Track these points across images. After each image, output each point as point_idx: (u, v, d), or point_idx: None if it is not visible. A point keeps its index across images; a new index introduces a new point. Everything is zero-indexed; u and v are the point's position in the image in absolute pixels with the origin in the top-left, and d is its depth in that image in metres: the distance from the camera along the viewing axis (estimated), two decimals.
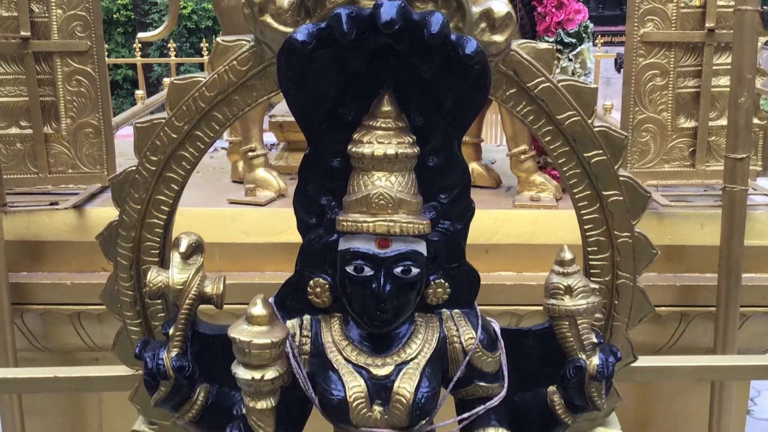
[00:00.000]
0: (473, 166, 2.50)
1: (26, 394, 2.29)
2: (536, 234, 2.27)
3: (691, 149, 2.35)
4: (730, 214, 2.13)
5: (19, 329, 2.30)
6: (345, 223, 1.13)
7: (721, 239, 2.19)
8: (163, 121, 1.20)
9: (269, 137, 2.80)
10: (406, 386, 1.13)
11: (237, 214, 2.32)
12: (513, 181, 2.53)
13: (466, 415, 1.20)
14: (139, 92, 3.42)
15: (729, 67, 2.14)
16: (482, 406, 1.20)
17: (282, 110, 2.64)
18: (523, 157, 2.38)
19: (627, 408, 2.54)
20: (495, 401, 1.20)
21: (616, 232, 1.24)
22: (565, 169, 1.23)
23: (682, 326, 2.33)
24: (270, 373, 1.09)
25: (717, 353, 2.20)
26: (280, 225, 2.20)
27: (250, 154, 2.40)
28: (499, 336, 1.24)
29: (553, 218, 2.29)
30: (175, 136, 1.20)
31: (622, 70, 2.42)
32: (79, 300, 2.27)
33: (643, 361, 1.44)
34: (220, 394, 1.21)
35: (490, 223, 2.25)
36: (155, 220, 1.24)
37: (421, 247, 1.14)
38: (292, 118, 2.54)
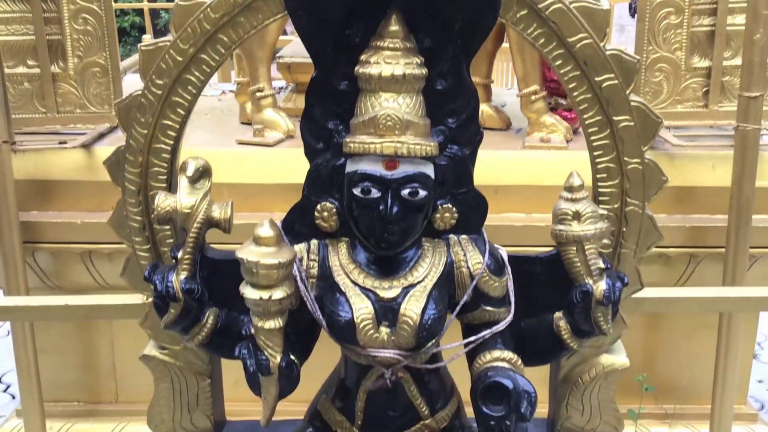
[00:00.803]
0: (483, 108, 2.48)
1: (40, 332, 2.32)
2: (546, 175, 2.25)
3: (704, 89, 2.32)
4: (741, 153, 2.11)
5: (31, 268, 2.32)
6: (352, 145, 1.12)
7: (732, 180, 2.17)
8: (168, 44, 1.19)
9: (277, 83, 2.78)
10: (412, 308, 1.14)
11: (246, 155, 2.32)
12: (523, 123, 2.51)
13: (472, 338, 1.20)
14: (147, 37, 3.40)
15: (745, 4, 2.09)
16: (488, 330, 1.20)
17: (290, 52, 2.61)
18: (533, 97, 2.36)
19: (634, 350, 2.55)
20: (501, 326, 1.21)
21: (626, 158, 1.23)
22: (575, 94, 1.21)
23: (691, 267, 2.33)
24: (278, 293, 1.10)
25: None
26: (289, 165, 2.20)
27: (258, 94, 2.39)
28: (507, 262, 1.24)
29: (563, 159, 2.27)
30: (180, 59, 1.19)
31: (636, 15, 2.38)
32: (90, 239, 2.28)
33: (651, 291, 1.44)
34: (229, 318, 1.22)
35: (500, 165, 2.24)
36: (162, 146, 1.24)
37: (429, 170, 1.14)
38: (300, 60, 2.52)
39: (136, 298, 1.40)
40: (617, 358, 1.35)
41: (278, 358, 1.11)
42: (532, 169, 2.29)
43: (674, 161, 2.29)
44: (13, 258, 2.22)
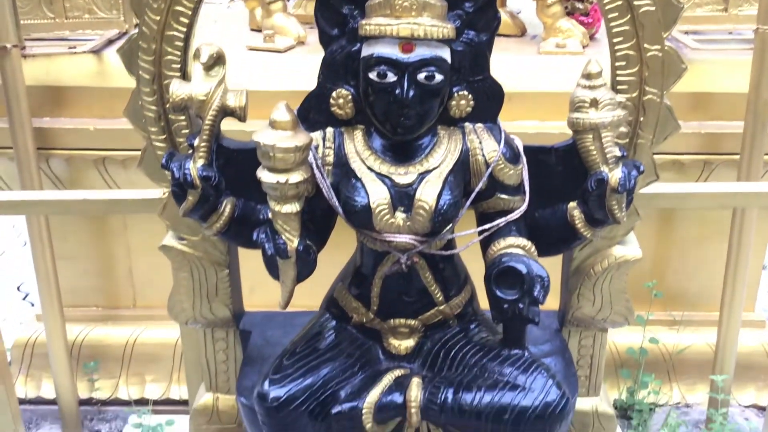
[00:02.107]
0: None
1: (57, 239, 2.35)
2: (561, 82, 2.22)
3: None
4: (761, 57, 2.07)
5: (45, 174, 2.34)
6: (368, 27, 1.11)
7: (750, 85, 2.14)
8: None
9: None
10: (428, 193, 1.14)
11: (256, 61, 2.29)
12: (538, 29, 2.46)
13: (487, 226, 1.21)
14: None
15: None
16: (503, 219, 1.21)
17: None
18: (550, 1, 2.31)
19: (644, 257, 2.57)
20: (516, 214, 1.22)
21: (646, 45, 1.21)
22: None
23: (705, 174, 2.32)
24: (294, 177, 1.10)
25: None
26: (300, 71, 2.18)
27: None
28: (522, 151, 1.23)
29: (578, 65, 2.23)
30: None
31: None
32: (103, 145, 2.29)
33: (666, 186, 1.44)
34: (246, 208, 1.23)
35: (514, 72, 2.21)
36: (175, 33, 1.22)
37: (445, 54, 1.12)
38: None
39: (153, 193, 1.41)
40: (630, 249, 1.36)
41: (295, 242, 1.13)
42: (547, 75, 2.26)
43: (692, 66, 2.24)
44: (27, 164, 2.24)
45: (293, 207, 1.12)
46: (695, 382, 2.61)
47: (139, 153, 1.33)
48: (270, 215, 1.14)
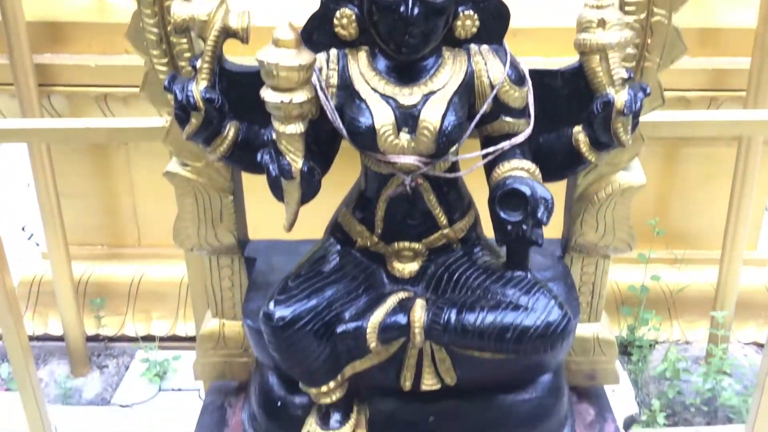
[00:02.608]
0: None
1: (60, 175, 2.35)
2: (567, 17, 2.19)
3: None
4: None
5: (47, 111, 2.33)
6: None
7: (758, 20, 2.11)
8: None
9: None
10: (432, 114, 1.13)
11: None
12: None
13: (491, 149, 1.21)
14: None
15: None
16: (507, 141, 1.20)
17: None
18: None
19: (648, 195, 2.57)
20: (520, 137, 1.21)
21: None
22: None
23: (711, 110, 2.31)
24: (298, 96, 1.09)
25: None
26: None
27: None
28: (527, 74, 1.22)
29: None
30: None
31: None
32: (105, 82, 2.28)
33: (671, 114, 1.43)
34: (250, 132, 1.22)
35: (519, 6, 2.17)
36: None
37: None
38: None
39: (155, 121, 1.40)
40: (634, 175, 1.36)
41: (300, 163, 1.13)
42: (554, 10, 2.23)
43: (698, 0, 2.22)
44: (28, 101, 2.23)
45: (297, 127, 1.12)
46: (696, 319, 2.63)
47: (138, 89, 1.32)
48: (274, 136, 1.13)
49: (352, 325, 1.18)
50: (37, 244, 2.82)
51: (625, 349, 2.63)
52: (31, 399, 1.87)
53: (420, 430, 1.31)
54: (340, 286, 1.22)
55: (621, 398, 2.44)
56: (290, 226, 1.19)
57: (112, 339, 2.64)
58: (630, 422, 2.37)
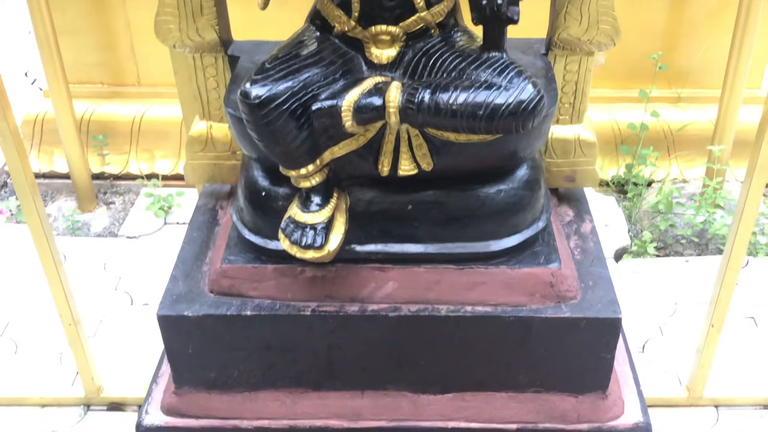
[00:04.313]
0: None
1: (56, 10, 2.34)
2: None
3: None
4: None
5: None
6: None
7: None
8: None
9: None
10: None
11: None
12: None
13: None
14: None
15: None
16: None
17: None
18: None
19: (653, 31, 2.52)
20: None
21: None
22: None
23: None
24: None
25: None
26: None
27: None
28: None
29: None
30: None
31: None
32: None
33: None
34: None
35: None
36: None
37: None
38: None
39: None
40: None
41: None
42: None
43: None
44: None
45: None
46: (695, 158, 2.64)
47: None
48: None
49: (327, 103, 1.19)
50: (40, 89, 2.83)
51: (622, 187, 2.65)
52: (39, 230, 1.94)
53: (398, 218, 1.35)
54: (318, 69, 1.23)
55: (614, 232, 2.49)
56: (264, 4, 1.19)
57: (117, 177, 2.70)
58: (621, 253, 2.43)
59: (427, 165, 1.28)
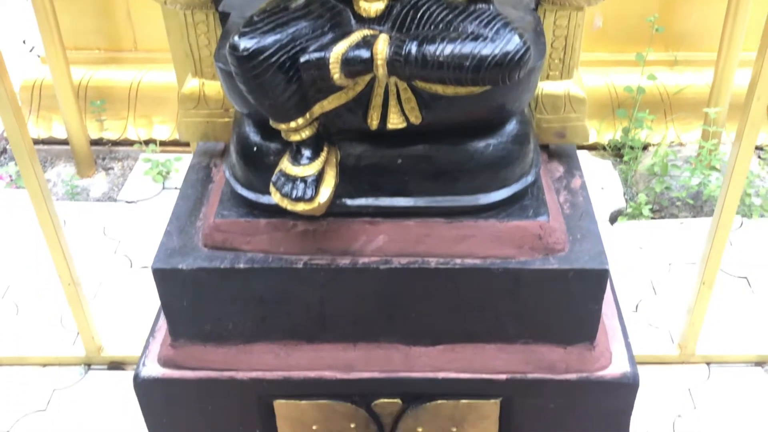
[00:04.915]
0: None
1: None
2: None
3: None
4: None
5: None
6: None
7: None
8: None
9: None
10: None
11: None
12: None
13: None
14: None
15: None
16: None
17: None
18: None
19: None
20: None
21: None
22: None
23: None
24: None
25: None
26: None
27: None
28: None
29: None
30: None
31: None
32: None
33: None
34: None
35: None
36: None
37: None
38: None
39: None
40: None
41: None
42: None
43: None
44: None
45: None
46: (691, 121, 2.64)
47: None
48: None
49: (315, 55, 1.20)
50: (38, 56, 2.85)
51: (619, 151, 2.66)
52: (37, 193, 1.96)
53: (388, 171, 1.36)
54: (306, 22, 1.24)
55: (609, 195, 2.51)
56: None
57: (115, 143, 2.72)
58: (616, 216, 2.44)
59: (415, 118, 1.29)
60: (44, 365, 2.05)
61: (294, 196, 1.29)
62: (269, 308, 1.43)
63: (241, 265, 1.38)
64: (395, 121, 1.29)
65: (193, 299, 1.42)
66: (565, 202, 1.49)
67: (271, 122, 1.30)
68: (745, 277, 2.26)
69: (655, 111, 2.60)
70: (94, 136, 2.68)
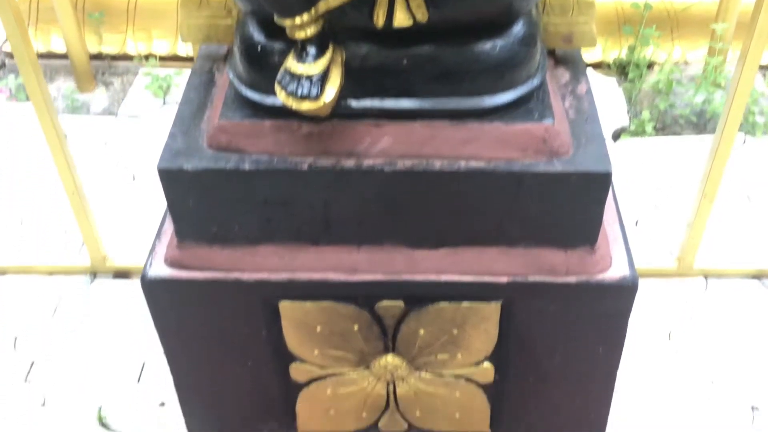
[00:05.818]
0: None
1: None
2: None
3: None
4: None
5: None
6: None
7: None
8: None
9: None
10: None
11: None
12: None
13: None
14: None
15: None
16: None
17: None
18: None
19: None
20: None
21: None
22: None
23: None
24: None
25: None
26: None
27: None
28: None
29: None
30: None
31: None
32: None
33: None
34: None
35: None
36: None
37: None
38: None
39: None
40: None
41: None
42: None
43: None
44: None
45: None
46: (697, 39, 2.61)
47: None
48: None
49: None
50: None
51: (624, 70, 2.64)
52: (42, 108, 1.95)
53: (393, 72, 1.35)
54: None
55: (613, 113, 2.50)
56: None
57: (114, 58, 2.69)
58: (619, 133, 2.44)
59: (422, 16, 1.27)
60: (50, 274, 2.08)
61: (299, 93, 1.28)
62: (274, 210, 1.44)
63: (246, 167, 1.38)
64: (401, 18, 1.28)
65: (199, 200, 1.43)
66: (570, 107, 1.49)
67: (275, 18, 1.28)
68: (747, 195, 2.27)
69: (661, 28, 2.57)
70: (93, 50, 2.64)
